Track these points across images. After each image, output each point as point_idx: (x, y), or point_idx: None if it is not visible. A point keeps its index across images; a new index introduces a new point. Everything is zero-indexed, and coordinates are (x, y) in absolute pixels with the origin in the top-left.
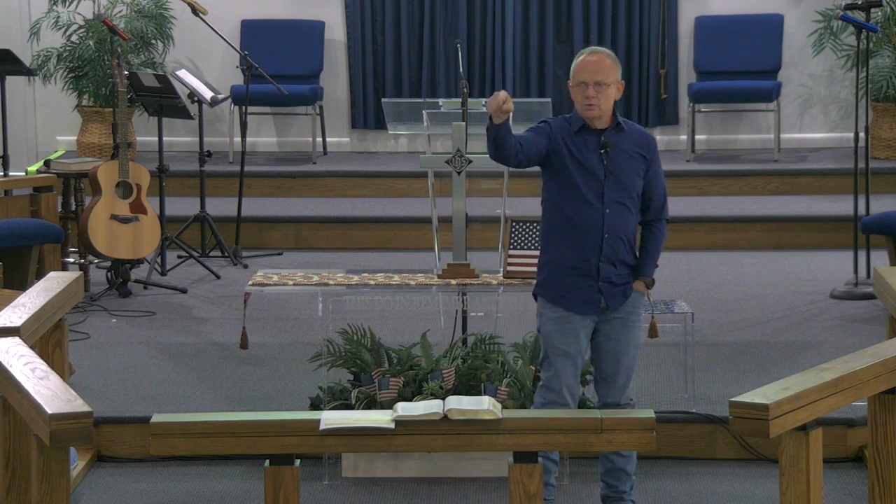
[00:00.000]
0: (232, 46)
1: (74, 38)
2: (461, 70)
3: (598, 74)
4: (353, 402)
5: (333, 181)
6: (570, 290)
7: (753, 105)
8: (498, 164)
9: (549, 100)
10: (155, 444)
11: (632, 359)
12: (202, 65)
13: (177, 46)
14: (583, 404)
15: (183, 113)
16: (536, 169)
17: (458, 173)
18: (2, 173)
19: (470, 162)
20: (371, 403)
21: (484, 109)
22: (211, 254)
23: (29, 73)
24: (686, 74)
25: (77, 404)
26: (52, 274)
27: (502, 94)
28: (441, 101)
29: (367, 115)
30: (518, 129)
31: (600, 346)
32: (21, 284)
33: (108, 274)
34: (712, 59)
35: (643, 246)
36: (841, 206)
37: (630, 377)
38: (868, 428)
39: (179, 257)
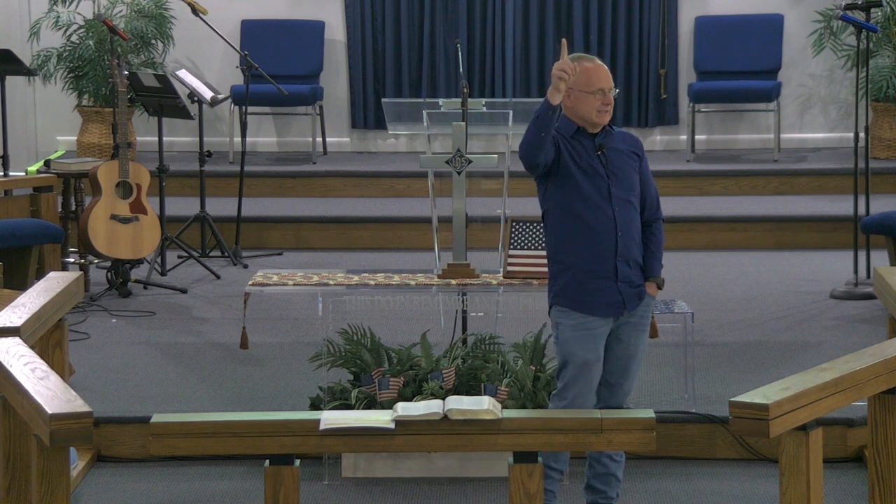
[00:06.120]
0: (232, 46)
1: (74, 38)
2: (461, 70)
3: (609, 80)
4: (353, 402)
5: (333, 181)
6: (592, 293)
7: (753, 105)
8: (528, 169)
9: None
10: (155, 444)
11: (639, 364)
12: (202, 65)
13: (177, 46)
14: None
15: (183, 113)
16: None
17: (458, 173)
18: (2, 173)
19: (470, 162)
20: (371, 403)
21: (484, 109)
22: (211, 254)
23: (29, 73)
24: (686, 74)
25: (77, 404)
26: (52, 274)
27: (566, 58)
28: (441, 101)
29: (367, 115)
30: (518, 129)
31: (610, 349)
32: (21, 284)
33: (108, 274)
34: (712, 59)
35: (647, 247)
36: (841, 206)
37: (634, 382)
38: (868, 428)
39: (179, 257)
